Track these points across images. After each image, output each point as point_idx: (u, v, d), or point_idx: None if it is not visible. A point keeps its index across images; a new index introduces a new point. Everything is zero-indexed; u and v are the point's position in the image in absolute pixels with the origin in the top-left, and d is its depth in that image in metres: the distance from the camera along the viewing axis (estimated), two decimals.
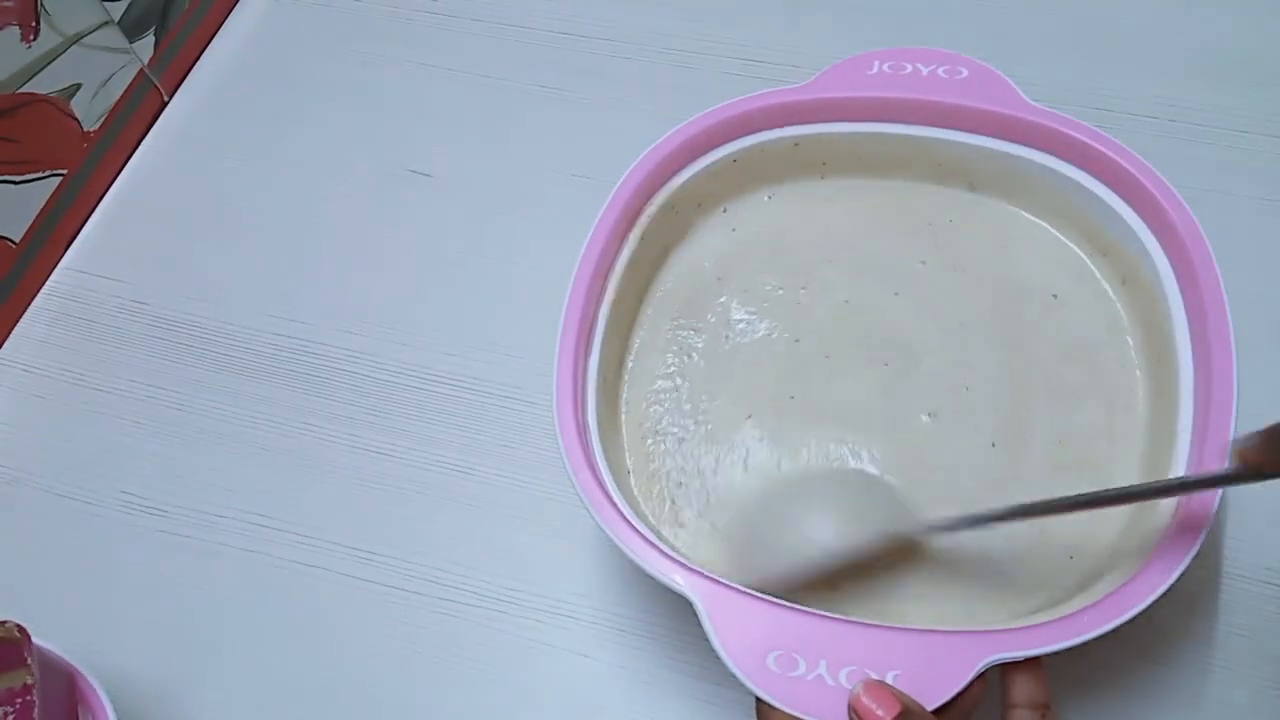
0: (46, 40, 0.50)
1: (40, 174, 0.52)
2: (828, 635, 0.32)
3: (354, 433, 0.48)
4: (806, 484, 0.38)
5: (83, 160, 0.54)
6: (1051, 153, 0.41)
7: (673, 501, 0.39)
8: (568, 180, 0.53)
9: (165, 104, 0.59)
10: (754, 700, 0.32)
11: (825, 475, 0.38)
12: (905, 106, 0.41)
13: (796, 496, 0.37)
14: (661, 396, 0.41)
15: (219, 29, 0.61)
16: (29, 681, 0.34)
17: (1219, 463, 0.33)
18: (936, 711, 0.31)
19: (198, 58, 0.61)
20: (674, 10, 0.59)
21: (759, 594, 0.33)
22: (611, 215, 0.40)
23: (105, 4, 0.53)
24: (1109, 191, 0.40)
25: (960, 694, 0.31)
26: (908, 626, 0.32)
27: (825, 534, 0.35)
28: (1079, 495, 0.31)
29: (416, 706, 0.42)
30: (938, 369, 0.40)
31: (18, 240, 0.51)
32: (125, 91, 0.56)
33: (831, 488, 0.38)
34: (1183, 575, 0.32)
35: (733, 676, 0.32)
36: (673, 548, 0.35)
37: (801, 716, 0.31)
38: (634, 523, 0.35)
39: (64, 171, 0.53)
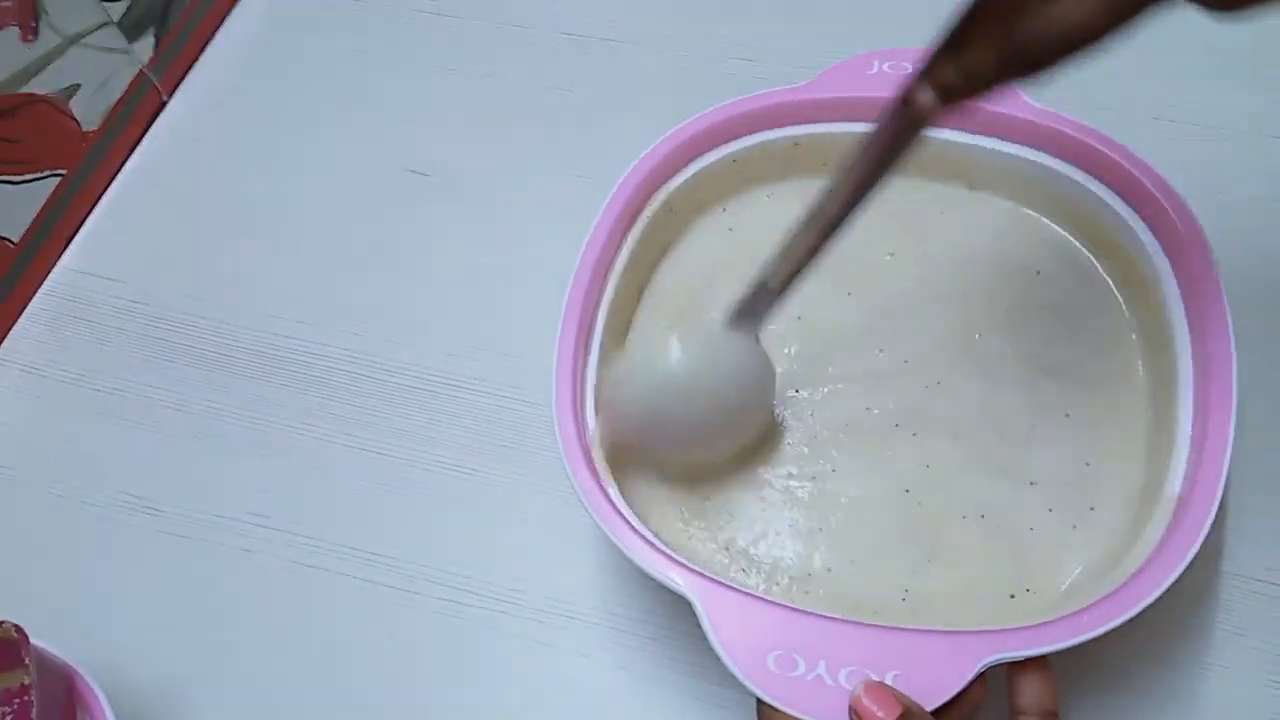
0: (46, 40, 0.50)
1: (39, 174, 0.52)
2: (827, 635, 0.32)
3: (354, 433, 0.47)
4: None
5: (82, 160, 0.54)
6: (1051, 153, 0.41)
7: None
8: (567, 180, 0.53)
9: (164, 104, 0.59)
10: (754, 700, 0.32)
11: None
12: None
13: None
14: None
15: (218, 29, 0.61)
16: (27, 682, 0.34)
17: (1219, 465, 0.33)
18: (936, 712, 0.31)
19: (197, 58, 0.61)
20: (674, 10, 0.59)
21: (759, 594, 0.33)
22: (611, 215, 0.40)
23: (105, 4, 0.53)
24: (1109, 191, 0.40)
25: (960, 695, 0.31)
26: (908, 626, 0.32)
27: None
28: None
29: (416, 706, 0.42)
30: (937, 369, 0.40)
31: (17, 240, 0.51)
32: (124, 92, 0.56)
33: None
34: (1183, 575, 0.32)
35: (732, 676, 0.32)
36: (672, 547, 0.35)
37: (801, 717, 0.31)
38: (634, 523, 0.35)
39: (63, 171, 0.53)
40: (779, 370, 0.39)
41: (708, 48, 0.57)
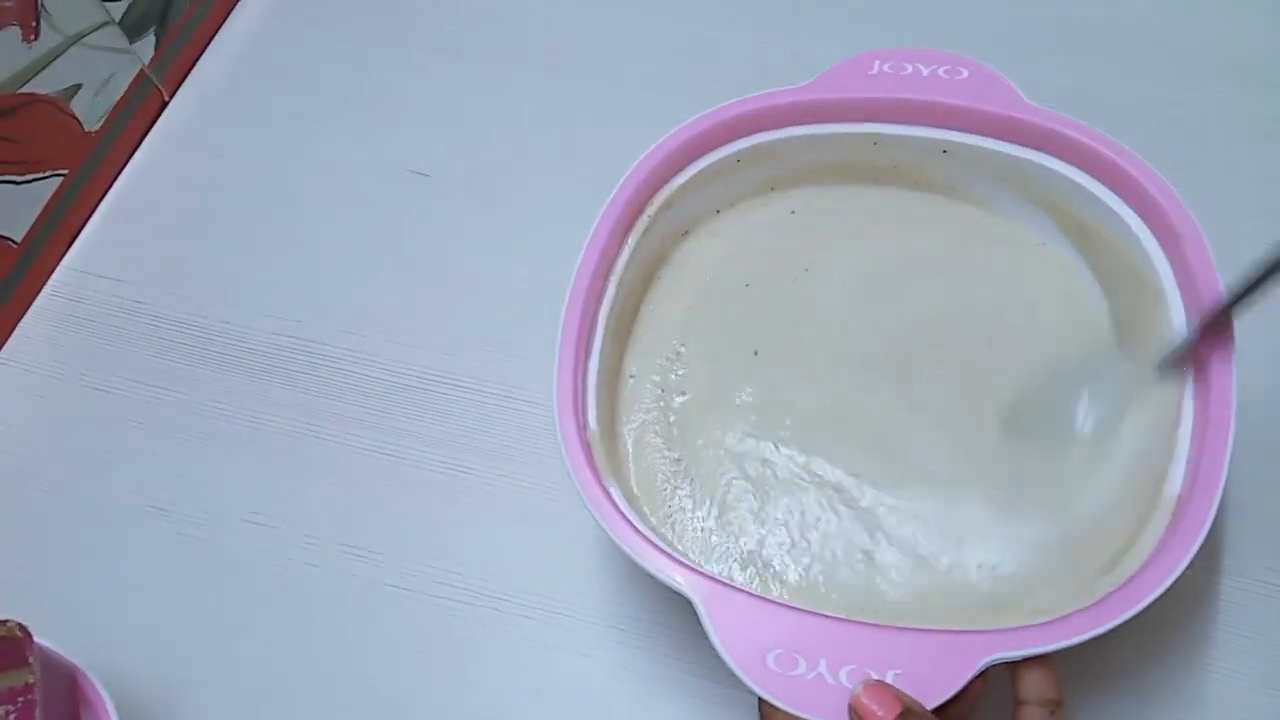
0: (47, 40, 0.51)
1: (41, 174, 0.52)
2: (827, 634, 0.32)
3: (354, 433, 0.48)
4: None
5: (84, 160, 0.54)
6: (1051, 153, 0.41)
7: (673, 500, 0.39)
8: (568, 180, 0.53)
9: (166, 104, 0.59)
10: (756, 700, 0.33)
11: None
12: (905, 107, 0.41)
13: None
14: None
15: (219, 29, 0.62)
16: (30, 680, 0.34)
17: (1219, 465, 0.33)
18: (936, 710, 0.31)
19: (198, 58, 0.61)
20: (674, 11, 0.59)
21: (759, 594, 0.33)
22: (612, 215, 0.40)
23: (106, 4, 0.53)
24: (1108, 192, 0.40)
25: (960, 692, 0.31)
26: (908, 626, 0.32)
27: None
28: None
29: (415, 706, 0.42)
30: (937, 369, 0.40)
31: (19, 240, 0.51)
32: (126, 91, 0.56)
33: None
34: (1182, 575, 0.32)
35: (733, 675, 0.32)
36: (673, 547, 0.35)
37: (802, 715, 0.31)
38: (634, 522, 0.35)
39: (65, 171, 0.53)
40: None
41: (708, 48, 0.57)
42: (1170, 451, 0.35)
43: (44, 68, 0.51)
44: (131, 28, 0.56)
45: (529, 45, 0.58)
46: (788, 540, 0.37)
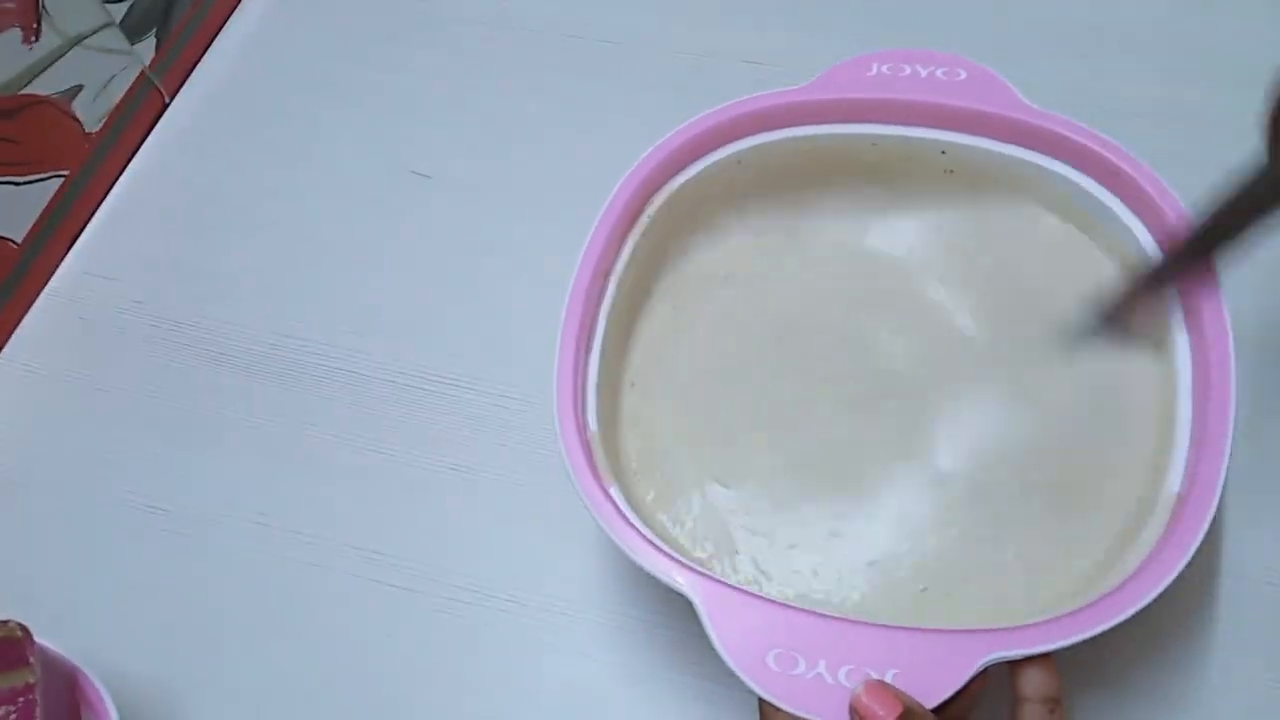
0: (48, 42, 0.51)
1: (42, 175, 0.52)
2: (827, 634, 0.32)
3: (355, 433, 0.48)
4: None
5: (84, 161, 0.54)
6: (1050, 154, 0.41)
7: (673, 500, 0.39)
8: (568, 180, 0.53)
9: (166, 105, 0.59)
10: (756, 700, 0.33)
11: None
12: (905, 108, 0.41)
13: None
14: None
15: (220, 31, 0.62)
16: (31, 681, 0.34)
17: (1219, 464, 0.33)
18: (936, 709, 0.31)
19: (199, 59, 0.61)
20: (674, 11, 0.59)
21: (759, 593, 0.33)
22: (612, 216, 0.40)
23: (106, 5, 0.54)
24: (1107, 193, 0.40)
25: (960, 691, 0.31)
26: (907, 626, 0.32)
27: None
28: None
29: (415, 705, 0.42)
30: (936, 371, 0.40)
31: (20, 241, 0.51)
32: (127, 93, 0.56)
33: None
34: (1182, 575, 0.32)
35: (733, 675, 0.32)
36: (673, 546, 0.35)
37: (802, 715, 0.31)
38: (634, 522, 0.35)
39: (66, 173, 0.53)
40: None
41: (708, 48, 0.57)
42: (1169, 451, 0.35)
43: (45, 69, 0.51)
44: (132, 29, 0.56)
45: (529, 45, 0.59)
46: (788, 540, 0.37)
